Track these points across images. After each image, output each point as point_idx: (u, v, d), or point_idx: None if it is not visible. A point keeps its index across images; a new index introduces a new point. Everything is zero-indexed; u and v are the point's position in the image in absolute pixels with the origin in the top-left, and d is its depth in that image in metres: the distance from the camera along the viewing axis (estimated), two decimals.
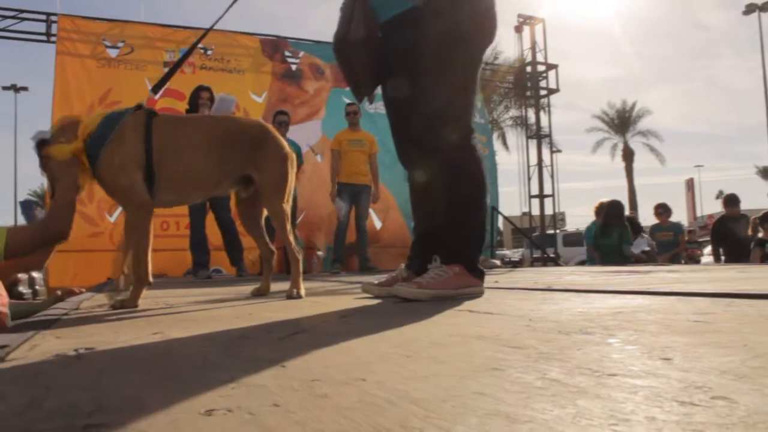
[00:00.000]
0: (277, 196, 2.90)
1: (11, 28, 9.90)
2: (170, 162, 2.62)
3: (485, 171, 2.57)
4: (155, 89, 2.99)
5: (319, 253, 9.23)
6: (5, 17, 9.80)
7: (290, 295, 2.78)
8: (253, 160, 2.84)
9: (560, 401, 0.72)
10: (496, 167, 12.84)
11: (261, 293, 3.07)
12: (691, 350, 1.02)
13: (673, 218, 10.21)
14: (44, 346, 1.37)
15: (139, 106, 2.71)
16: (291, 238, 2.96)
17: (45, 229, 2.58)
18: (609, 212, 8.55)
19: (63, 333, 1.65)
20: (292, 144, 7.38)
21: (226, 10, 3.08)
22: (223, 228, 6.79)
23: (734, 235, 8.60)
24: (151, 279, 2.63)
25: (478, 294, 2.45)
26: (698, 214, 47.51)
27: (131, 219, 2.63)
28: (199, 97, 6.52)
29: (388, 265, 9.38)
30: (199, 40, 3.65)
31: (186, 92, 6.84)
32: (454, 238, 2.51)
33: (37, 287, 14.82)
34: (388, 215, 10.43)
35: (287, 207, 2.95)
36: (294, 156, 3.04)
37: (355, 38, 2.51)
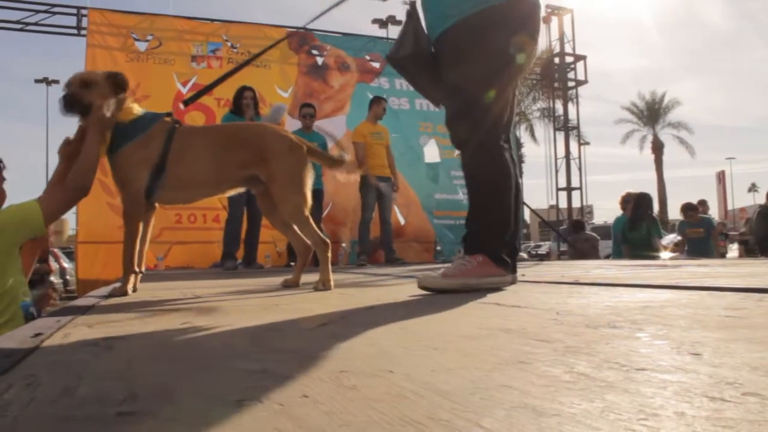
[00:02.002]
0: (286, 189, 2.95)
1: (43, 22, 10.06)
2: (179, 166, 2.84)
3: (513, 168, 2.60)
4: (186, 103, 3.15)
5: (344, 245, 9.27)
6: (37, 11, 9.96)
7: (318, 288, 2.83)
8: (255, 159, 2.95)
9: (588, 395, 0.72)
10: (521, 159, 12.75)
11: (290, 285, 3.09)
12: (722, 346, 1.01)
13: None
14: (77, 334, 1.40)
15: (169, 114, 2.95)
16: (313, 229, 3.00)
17: (75, 180, 2.76)
18: (638, 205, 8.41)
19: (94, 322, 1.68)
20: (317, 136, 7.42)
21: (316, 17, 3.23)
22: (252, 221, 6.89)
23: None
24: (137, 269, 2.88)
25: (504, 283, 2.50)
26: (729, 207, 46.66)
27: (125, 211, 2.85)
28: (243, 96, 6.65)
29: (413, 258, 9.40)
30: (241, 67, 3.70)
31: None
32: (476, 229, 2.58)
33: (68, 277, 15.11)
34: (411, 211, 10.43)
35: (301, 197, 2.95)
36: (303, 147, 3.04)
37: (403, 55, 2.72)
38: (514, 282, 2.66)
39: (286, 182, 2.94)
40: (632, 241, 8.34)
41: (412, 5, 2.74)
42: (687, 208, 9.36)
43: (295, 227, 3.15)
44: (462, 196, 10.18)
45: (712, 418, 0.61)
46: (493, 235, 2.56)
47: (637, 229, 8.29)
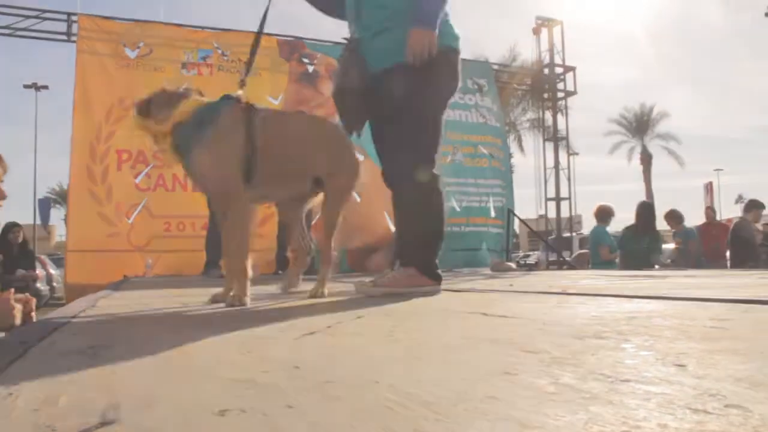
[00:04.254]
0: (338, 205, 2.99)
1: (33, 27, 10.01)
2: (269, 158, 2.58)
3: (434, 197, 2.95)
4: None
5: (334, 253, 9.25)
6: (27, 17, 9.90)
7: (314, 294, 2.81)
8: (327, 163, 2.87)
9: (572, 407, 0.72)
10: (511, 169, 12.82)
11: (285, 290, 3.14)
12: (707, 357, 1.01)
13: (693, 223, 9.93)
14: (61, 343, 1.39)
15: (229, 97, 2.65)
16: (332, 243, 3.04)
17: None
18: (642, 214, 8.19)
19: (79, 330, 1.67)
20: None
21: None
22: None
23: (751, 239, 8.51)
24: (250, 273, 2.54)
25: (432, 293, 2.79)
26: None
27: (233, 214, 2.55)
28: None
29: None
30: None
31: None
32: (406, 246, 2.98)
33: (54, 284, 15.00)
34: None
35: (341, 218, 3.04)
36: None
37: (351, 87, 3.00)
38: None
39: (343, 198, 3.02)
40: (633, 252, 8.07)
41: (355, 41, 3.03)
42: (666, 214, 9.31)
43: (306, 234, 3.25)
44: (454, 202, 10.20)
45: (695, 430, 0.61)
46: (421, 251, 2.90)
47: (640, 241, 8.07)
